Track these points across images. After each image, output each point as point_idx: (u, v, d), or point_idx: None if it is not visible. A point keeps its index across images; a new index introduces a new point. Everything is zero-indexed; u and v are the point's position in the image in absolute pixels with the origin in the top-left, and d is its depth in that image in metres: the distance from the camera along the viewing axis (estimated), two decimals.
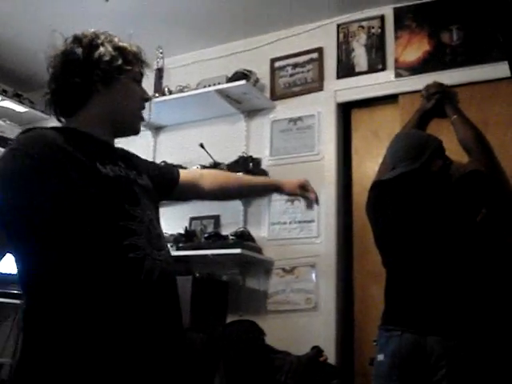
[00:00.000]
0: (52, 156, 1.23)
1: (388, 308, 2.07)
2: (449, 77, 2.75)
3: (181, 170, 1.73)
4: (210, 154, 3.15)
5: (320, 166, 3.09)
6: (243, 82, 3.13)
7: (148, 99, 1.50)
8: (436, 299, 1.92)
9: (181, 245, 3.08)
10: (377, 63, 3.09)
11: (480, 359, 1.86)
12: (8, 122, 3.77)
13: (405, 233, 2.07)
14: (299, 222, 3.09)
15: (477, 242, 2.00)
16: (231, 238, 3.02)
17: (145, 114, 1.52)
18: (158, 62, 3.44)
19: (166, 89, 3.39)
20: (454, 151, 2.30)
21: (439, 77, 2.70)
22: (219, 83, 3.21)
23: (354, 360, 2.87)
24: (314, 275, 2.97)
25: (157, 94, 3.34)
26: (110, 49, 1.38)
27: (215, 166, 3.13)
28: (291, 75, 3.34)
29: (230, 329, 2.76)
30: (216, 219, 3.30)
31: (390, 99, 3.03)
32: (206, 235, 3.11)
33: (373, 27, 3.14)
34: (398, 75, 3.00)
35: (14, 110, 3.82)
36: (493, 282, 1.99)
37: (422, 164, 2.10)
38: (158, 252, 1.33)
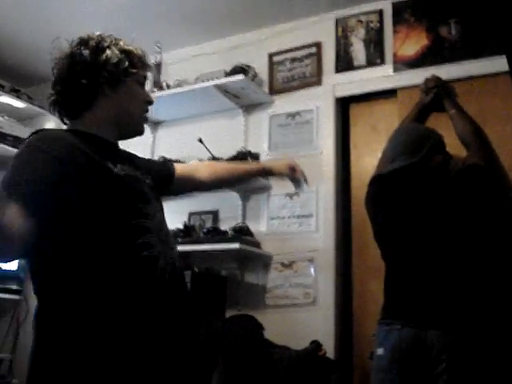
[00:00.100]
0: (71, 155, 1.25)
1: (388, 302, 2.06)
2: (447, 71, 2.75)
3: (176, 164, 1.75)
4: (208, 149, 3.15)
5: (319, 161, 3.09)
6: (241, 76, 3.13)
7: (151, 102, 1.52)
8: (436, 293, 1.92)
9: (179, 240, 3.08)
10: (375, 58, 3.09)
11: (480, 353, 1.85)
12: (6, 118, 3.74)
13: (404, 227, 2.07)
14: (298, 216, 3.09)
15: (476, 235, 1.99)
16: (230, 232, 3.02)
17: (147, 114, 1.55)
18: (156, 57, 3.42)
19: (164, 84, 3.39)
20: (453, 145, 2.29)
21: (438, 71, 2.69)
22: (217, 78, 3.20)
23: (352, 354, 2.88)
24: (312, 270, 2.97)
25: (155, 89, 3.33)
26: (116, 51, 1.40)
27: (214, 160, 3.12)
28: (290, 70, 3.33)
29: (228, 323, 2.77)
30: (215, 214, 3.31)
31: (389, 93, 3.03)
32: (204, 230, 3.11)
33: (371, 21, 3.14)
34: (396, 69, 3.00)
35: (11, 106, 3.79)
36: (493, 276, 1.98)
37: (422, 158, 2.10)
38: (169, 250, 1.35)
